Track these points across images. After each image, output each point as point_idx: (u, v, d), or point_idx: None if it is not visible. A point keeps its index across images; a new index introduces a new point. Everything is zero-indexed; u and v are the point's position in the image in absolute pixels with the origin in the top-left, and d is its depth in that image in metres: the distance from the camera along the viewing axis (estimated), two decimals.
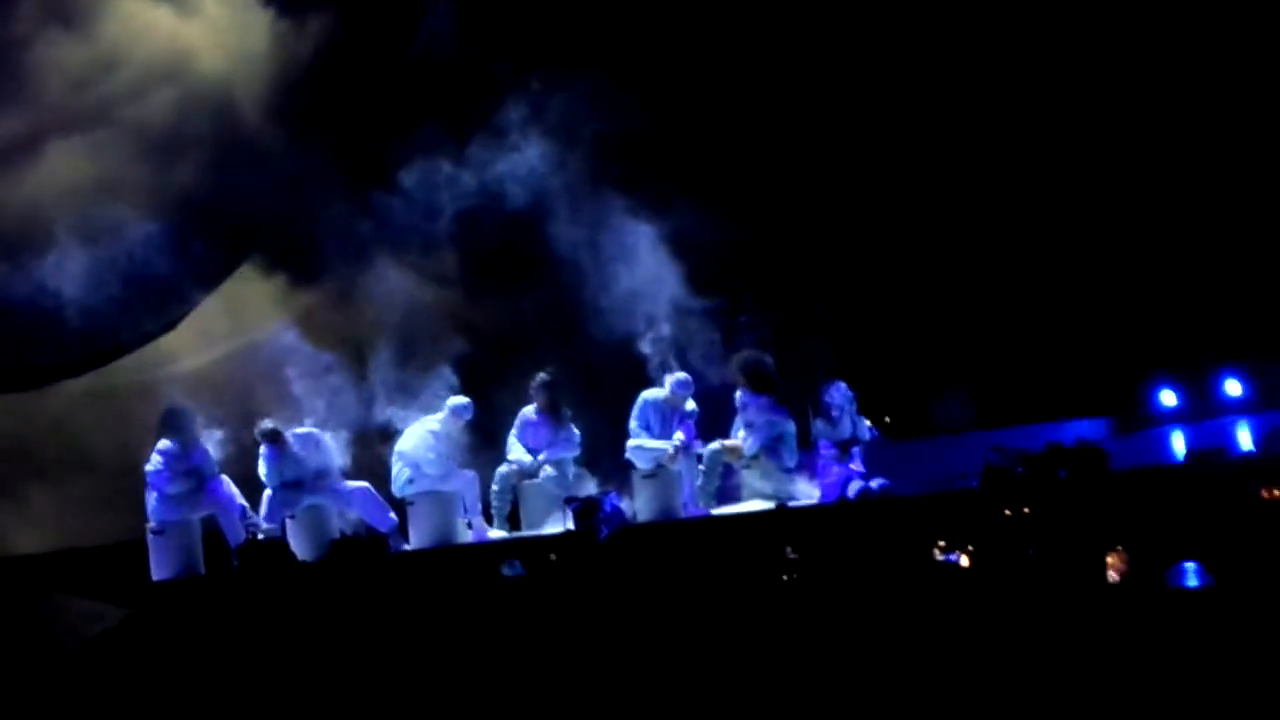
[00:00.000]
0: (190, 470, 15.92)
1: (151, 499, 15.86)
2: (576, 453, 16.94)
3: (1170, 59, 18.99)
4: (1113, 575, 13.05)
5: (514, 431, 16.90)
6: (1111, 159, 19.14)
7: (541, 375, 16.93)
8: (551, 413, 16.82)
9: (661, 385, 16.76)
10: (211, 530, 16.06)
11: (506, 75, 17.86)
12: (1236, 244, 18.69)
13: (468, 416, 16.59)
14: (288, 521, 16.11)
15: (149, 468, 15.87)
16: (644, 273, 17.04)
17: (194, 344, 18.94)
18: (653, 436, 16.60)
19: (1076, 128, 19.22)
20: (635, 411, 16.72)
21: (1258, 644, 11.33)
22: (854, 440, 16.72)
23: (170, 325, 18.90)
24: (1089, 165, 19.19)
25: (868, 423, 16.94)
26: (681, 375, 16.74)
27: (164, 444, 15.91)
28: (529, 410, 16.93)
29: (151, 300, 18.26)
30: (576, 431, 16.94)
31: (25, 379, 18.59)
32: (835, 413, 16.78)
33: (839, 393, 16.86)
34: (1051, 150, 19.26)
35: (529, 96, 17.74)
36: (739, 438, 16.76)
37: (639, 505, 16.40)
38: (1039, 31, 19.31)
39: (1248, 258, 18.62)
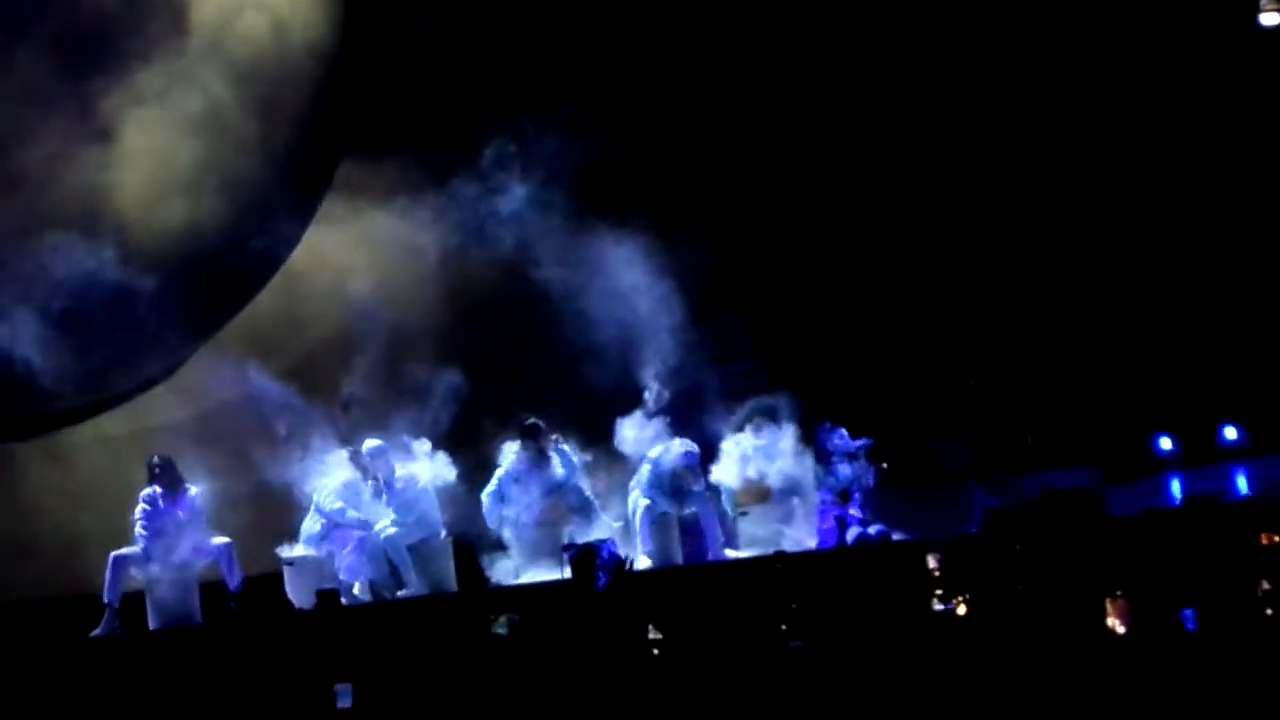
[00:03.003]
0: (173, 520, 15.68)
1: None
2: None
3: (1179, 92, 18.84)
4: (1115, 624, 12.87)
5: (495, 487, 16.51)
6: (1106, 203, 19.00)
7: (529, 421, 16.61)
8: (540, 459, 16.50)
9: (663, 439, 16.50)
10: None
11: (490, 111, 17.72)
12: (1233, 290, 18.57)
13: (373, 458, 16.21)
14: (285, 569, 15.94)
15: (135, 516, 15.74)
16: (635, 312, 16.85)
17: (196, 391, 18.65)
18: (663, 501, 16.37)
19: (1076, 166, 19.08)
20: (647, 478, 16.38)
21: (1256, 688, 11.25)
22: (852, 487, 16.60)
23: (171, 370, 18.71)
24: (1085, 211, 19.04)
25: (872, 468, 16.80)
26: (690, 447, 16.43)
27: (146, 491, 15.76)
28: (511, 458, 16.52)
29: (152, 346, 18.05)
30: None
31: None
32: (835, 459, 16.66)
33: (840, 439, 16.74)
34: (1044, 198, 19.10)
35: (513, 133, 17.53)
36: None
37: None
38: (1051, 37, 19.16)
39: (1245, 304, 18.49)
